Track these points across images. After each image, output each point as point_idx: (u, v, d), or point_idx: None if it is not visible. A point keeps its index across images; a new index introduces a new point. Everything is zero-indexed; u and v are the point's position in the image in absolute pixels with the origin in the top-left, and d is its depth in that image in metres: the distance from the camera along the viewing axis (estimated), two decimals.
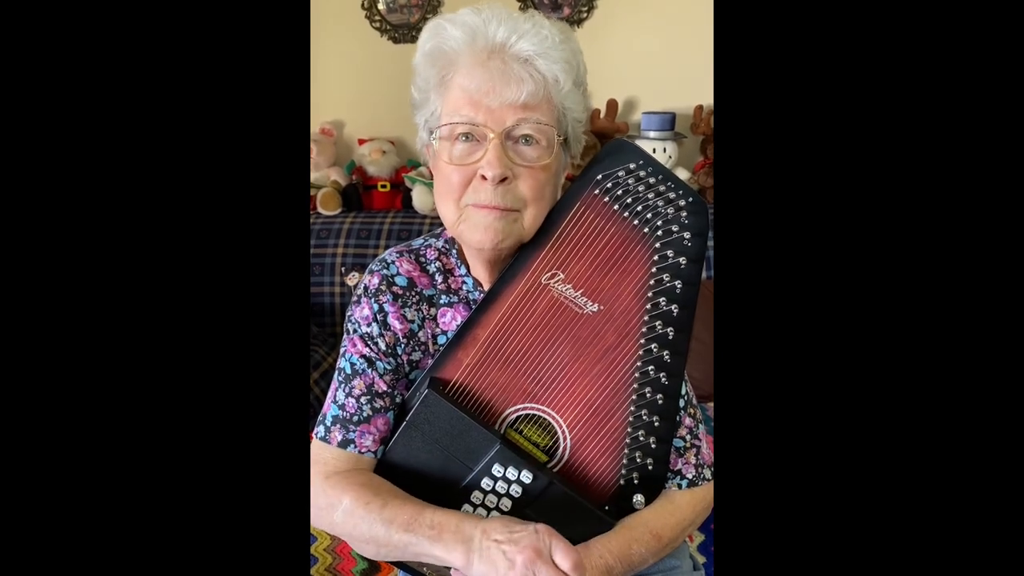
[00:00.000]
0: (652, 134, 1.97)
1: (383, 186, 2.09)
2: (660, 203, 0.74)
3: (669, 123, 1.97)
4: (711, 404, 1.70)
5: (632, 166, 0.74)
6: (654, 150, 1.96)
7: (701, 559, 1.39)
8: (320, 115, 2.18)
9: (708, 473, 0.83)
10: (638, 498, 0.78)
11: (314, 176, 2.12)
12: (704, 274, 1.88)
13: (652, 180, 0.74)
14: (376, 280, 0.81)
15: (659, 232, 0.74)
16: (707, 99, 2.06)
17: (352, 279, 1.84)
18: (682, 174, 2.02)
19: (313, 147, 2.09)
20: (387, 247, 1.92)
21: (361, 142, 2.16)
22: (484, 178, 0.71)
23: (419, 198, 2.00)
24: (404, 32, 2.16)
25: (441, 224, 0.81)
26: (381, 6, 2.14)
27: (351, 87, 2.16)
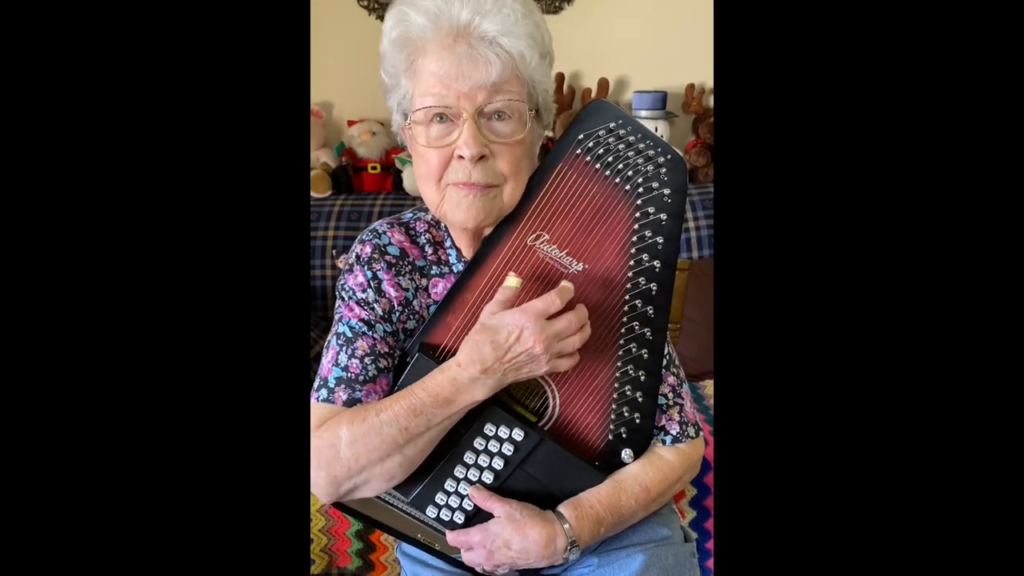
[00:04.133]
0: (643, 113, 1.96)
1: (373, 168, 2.07)
2: (640, 160, 0.75)
3: (660, 102, 1.97)
4: (705, 383, 1.71)
5: (612, 125, 0.75)
6: None
7: (692, 513, 1.43)
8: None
9: (692, 431, 0.85)
10: (627, 452, 0.80)
11: None
12: (696, 254, 1.89)
13: (632, 139, 0.75)
14: (368, 249, 0.82)
15: (640, 189, 0.76)
16: (699, 78, 2.06)
17: (343, 262, 1.83)
18: None
19: None
20: None
21: (350, 123, 2.14)
22: (461, 158, 0.73)
23: (410, 179, 1.99)
24: None
25: None
26: None
27: (340, 68, 2.14)
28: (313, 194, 2.01)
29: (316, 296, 1.91)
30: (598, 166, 0.76)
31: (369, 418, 0.73)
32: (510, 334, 0.70)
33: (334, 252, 1.88)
